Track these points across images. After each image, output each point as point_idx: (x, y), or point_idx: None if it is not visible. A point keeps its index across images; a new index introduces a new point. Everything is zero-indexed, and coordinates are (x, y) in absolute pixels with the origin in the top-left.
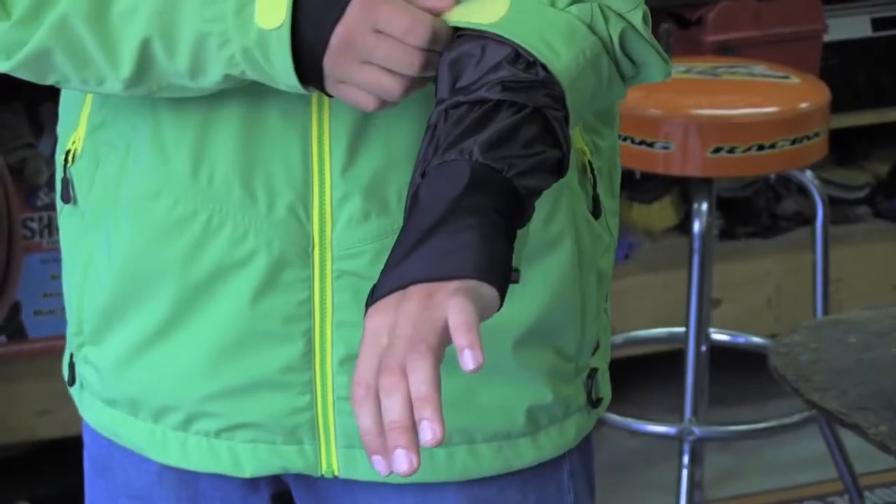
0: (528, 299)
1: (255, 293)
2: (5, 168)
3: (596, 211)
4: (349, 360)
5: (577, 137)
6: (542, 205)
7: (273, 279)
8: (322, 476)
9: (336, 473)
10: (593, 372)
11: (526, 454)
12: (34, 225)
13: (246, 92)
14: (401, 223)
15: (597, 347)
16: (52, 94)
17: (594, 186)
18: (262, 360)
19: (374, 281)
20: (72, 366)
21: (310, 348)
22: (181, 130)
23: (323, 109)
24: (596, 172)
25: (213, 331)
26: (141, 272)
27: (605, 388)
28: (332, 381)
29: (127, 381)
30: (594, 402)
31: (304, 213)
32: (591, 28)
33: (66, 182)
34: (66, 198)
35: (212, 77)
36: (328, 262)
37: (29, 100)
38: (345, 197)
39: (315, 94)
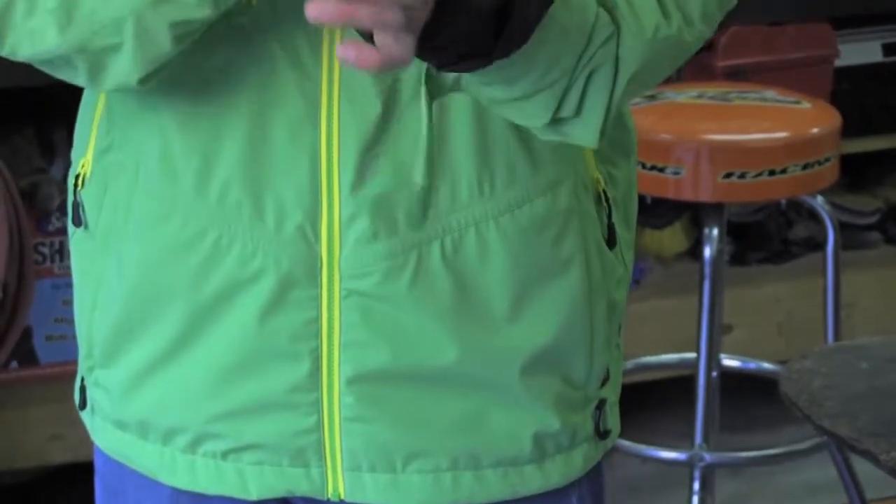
0: (536, 323)
1: (263, 311)
2: (17, 193)
3: (611, 240)
4: (356, 381)
5: (592, 166)
6: (551, 226)
7: (281, 298)
8: (328, 499)
9: (342, 496)
10: (602, 403)
11: (532, 481)
12: (45, 250)
13: (251, 111)
14: (409, 243)
15: (606, 379)
16: (63, 119)
17: (609, 216)
18: (269, 379)
19: (384, 301)
20: (83, 389)
21: (317, 367)
22: (189, 149)
23: (332, 129)
24: (611, 202)
25: (222, 350)
26: (150, 292)
27: (613, 421)
28: (339, 402)
29: (136, 403)
30: (602, 434)
31: (313, 233)
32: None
33: (77, 206)
34: (77, 222)
35: None
36: (336, 282)
37: (40, 125)
38: (353, 216)
39: (324, 113)
